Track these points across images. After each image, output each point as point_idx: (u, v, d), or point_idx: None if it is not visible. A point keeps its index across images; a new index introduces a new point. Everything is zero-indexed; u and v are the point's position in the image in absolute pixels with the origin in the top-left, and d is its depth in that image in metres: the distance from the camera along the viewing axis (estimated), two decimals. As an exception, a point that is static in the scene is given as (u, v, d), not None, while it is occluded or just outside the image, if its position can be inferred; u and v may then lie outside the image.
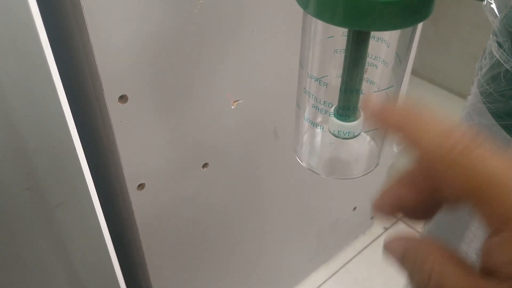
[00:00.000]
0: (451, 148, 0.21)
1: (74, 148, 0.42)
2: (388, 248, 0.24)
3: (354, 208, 1.16)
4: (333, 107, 0.35)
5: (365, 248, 1.28)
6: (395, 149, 1.23)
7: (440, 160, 0.21)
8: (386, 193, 0.26)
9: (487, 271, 0.21)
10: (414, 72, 1.62)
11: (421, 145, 0.22)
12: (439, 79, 1.83)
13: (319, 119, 0.37)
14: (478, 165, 0.20)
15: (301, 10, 0.34)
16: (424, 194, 0.25)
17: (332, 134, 0.36)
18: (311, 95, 0.36)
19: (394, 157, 1.22)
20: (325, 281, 1.21)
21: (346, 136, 0.36)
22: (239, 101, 0.64)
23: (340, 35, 0.35)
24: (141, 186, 0.61)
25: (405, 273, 0.23)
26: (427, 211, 0.25)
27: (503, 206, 0.20)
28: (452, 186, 0.21)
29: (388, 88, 0.36)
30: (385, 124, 0.25)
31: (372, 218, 1.29)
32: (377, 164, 0.40)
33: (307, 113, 0.38)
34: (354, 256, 1.26)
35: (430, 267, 0.22)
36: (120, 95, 0.51)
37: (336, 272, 1.23)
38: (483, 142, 0.21)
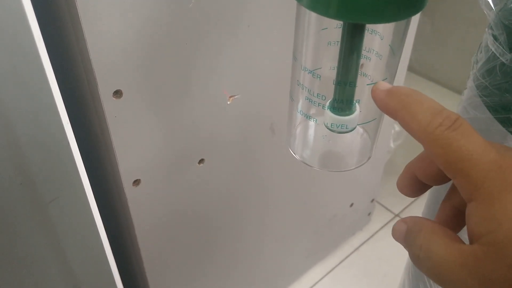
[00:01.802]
0: (437, 126, 0.24)
1: (68, 142, 0.42)
2: (395, 230, 0.28)
3: (351, 205, 1.16)
4: (327, 100, 0.35)
5: (362, 244, 1.28)
6: (392, 144, 1.23)
7: (427, 137, 0.25)
8: (402, 175, 0.31)
9: (470, 240, 0.24)
10: (411, 69, 1.62)
11: (413, 127, 0.26)
12: (436, 75, 1.84)
13: (312, 112, 0.37)
14: (455, 142, 0.24)
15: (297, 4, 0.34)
16: (433, 172, 0.29)
17: (326, 127, 0.36)
18: (304, 88, 0.36)
19: (391, 153, 1.23)
20: (322, 278, 1.21)
21: (341, 129, 0.35)
22: (235, 97, 0.64)
23: (334, 26, 0.34)
24: (136, 182, 0.60)
25: (407, 250, 0.27)
26: (439, 182, 0.29)
27: (473, 178, 0.24)
28: (436, 161, 0.25)
29: (381, 80, 0.36)
30: (381, 110, 0.28)
31: (369, 214, 1.29)
32: (370, 157, 0.40)
33: (300, 105, 0.37)
34: (352, 253, 1.26)
35: (421, 240, 0.26)
36: (115, 90, 0.51)
37: (333, 268, 1.23)
38: (465, 123, 0.24)
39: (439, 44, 1.77)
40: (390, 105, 0.27)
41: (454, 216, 0.30)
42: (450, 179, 0.28)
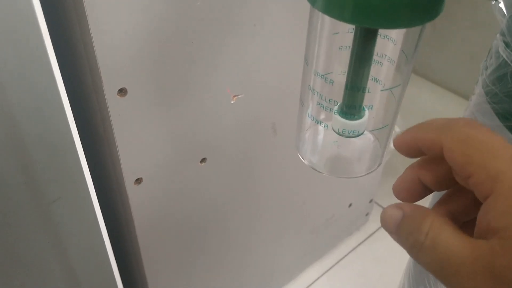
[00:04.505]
0: (454, 123, 0.25)
1: (73, 142, 0.42)
2: (386, 215, 0.26)
3: (350, 205, 1.16)
4: (337, 105, 0.35)
5: (359, 244, 1.28)
6: (391, 146, 1.23)
7: (444, 134, 0.25)
8: (404, 177, 0.29)
9: (479, 236, 0.23)
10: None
11: (429, 135, 0.25)
12: (436, 77, 1.83)
13: (322, 117, 0.37)
14: (474, 135, 0.24)
15: (303, 5, 0.33)
16: (441, 174, 0.28)
17: (336, 132, 0.35)
18: (315, 92, 0.35)
19: (390, 154, 1.22)
20: (319, 277, 1.20)
21: (350, 134, 0.35)
22: (239, 96, 0.64)
23: (346, 31, 0.34)
24: (138, 181, 0.60)
25: (399, 238, 0.26)
26: (443, 187, 0.28)
27: (493, 169, 0.23)
28: (453, 156, 0.24)
29: (394, 87, 0.35)
30: (405, 151, 0.28)
31: (367, 215, 1.29)
32: (380, 164, 0.39)
33: (311, 110, 0.37)
34: (349, 253, 1.26)
35: (428, 227, 0.24)
36: (120, 88, 0.50)
37: (331, 268, 1.23)
38: (480, 123, 0.24)
39: (440, 45, 1.77)
40: (407, 137, 0.27)
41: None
42: (455, 185, 0.27)
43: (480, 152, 0.23)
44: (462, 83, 1.73)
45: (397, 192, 0.30)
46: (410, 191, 0.29)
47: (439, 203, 0.29)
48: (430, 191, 0.29)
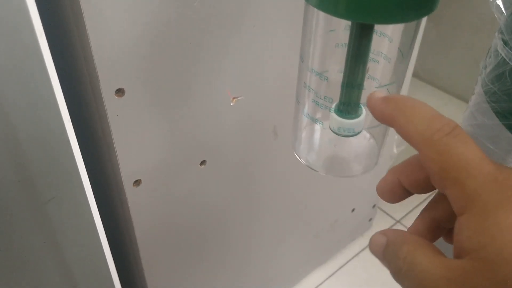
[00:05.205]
0: (435, 132, 0.24)
1: (68, 140, 0.41)
2: (373, 242, 0.27)
3: (353, 210, 1.15)
4: (334, 103, 0.34)
5: (363, 250, 1.27)
6: (395, 150, 1.23)
7: (424, 141, 0.24)
8: (386, 179, 0.30)
9: (456, 255, 0.24)
10: (415, 75, 1.62)
11: (410, 131, 0.25)
12: (440, 82, 1.83)
13: (318, 115, 0.36)
14: (453, 149, 0.23)
15: (303, 6, 0.33)
16: (419, 179, 0.28)
17: (332, 131, 0.35)
18: (311, 90, 0.35)
19: (394, 159, 1.22)
20: (322, 283, 1.20)
21: (347, 133, 0.35)
22: (239, 98, 0.64)
23: (342, 29, 0.34)
24: (137, 183, 0.60)
25: (386, 264, 0.26)
26: (422, 191, 0.29)
27: (468, 188, 0.23)
28: (431, 167, 0.24)
29: (389, 84, 0.35)
30: (378, 119, 0.27)
31: (370, 220, 1.28)
32: (377, 163, 0.39)
33: (307, 108, 0.37)
34: (352, 258, 1.25)
35: (405, 253, 0.25)
36: (117, 88, 0.50)
37: (333, 273, 1.22)
38: (463, 132, 0.24)
39: (444, 50, 1.76)
40: (387, 111, 0.27)
41: (431, 228, 0.29)
42: (434, 189, 0.28)
43: (457, 168, 0.23)
44: (466, 89, 1.72)
45: (380, 193, 0.31)
46: (392, 193, 0.30)
47: (424, 211, 0.30)
48: (412, 193, 0.30)
